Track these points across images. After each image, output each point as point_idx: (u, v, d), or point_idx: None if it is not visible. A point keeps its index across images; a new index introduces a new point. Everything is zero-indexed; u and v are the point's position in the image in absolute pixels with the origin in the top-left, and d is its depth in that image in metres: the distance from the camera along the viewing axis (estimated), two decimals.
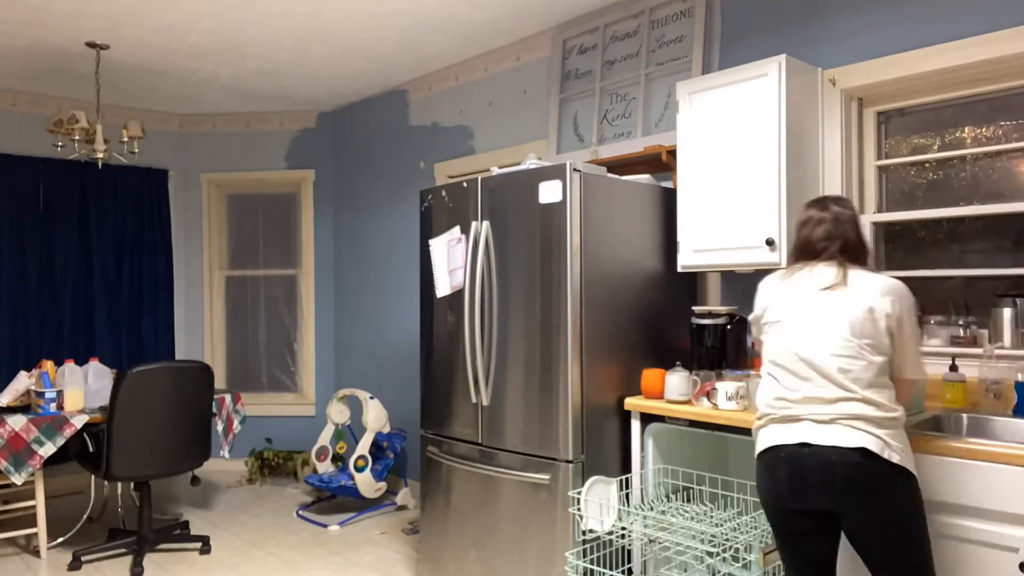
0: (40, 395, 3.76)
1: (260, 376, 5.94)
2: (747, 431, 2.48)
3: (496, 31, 4.11)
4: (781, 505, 2.00)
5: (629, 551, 2.82)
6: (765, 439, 2.04)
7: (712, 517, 2.57)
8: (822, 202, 2.14)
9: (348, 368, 5.67)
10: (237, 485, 5.40)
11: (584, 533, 2.62)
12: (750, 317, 2.26)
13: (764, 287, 2.20)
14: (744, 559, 2.77)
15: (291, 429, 5.76)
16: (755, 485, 2.10)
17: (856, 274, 2.02)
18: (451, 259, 3.17)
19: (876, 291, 1.97)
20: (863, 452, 1.87)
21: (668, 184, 3.34)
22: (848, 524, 1.93)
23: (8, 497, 4.40)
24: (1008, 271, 2.62)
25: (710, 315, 2.95)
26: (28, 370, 5.03)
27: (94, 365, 4.11)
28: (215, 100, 5.44)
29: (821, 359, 1.96)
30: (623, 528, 2.52)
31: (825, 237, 2.07)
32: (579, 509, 2.59)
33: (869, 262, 2.11)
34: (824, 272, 2.04)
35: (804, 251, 2.11)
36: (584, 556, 2.68)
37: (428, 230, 3.30)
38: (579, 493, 2.62)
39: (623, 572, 2.80)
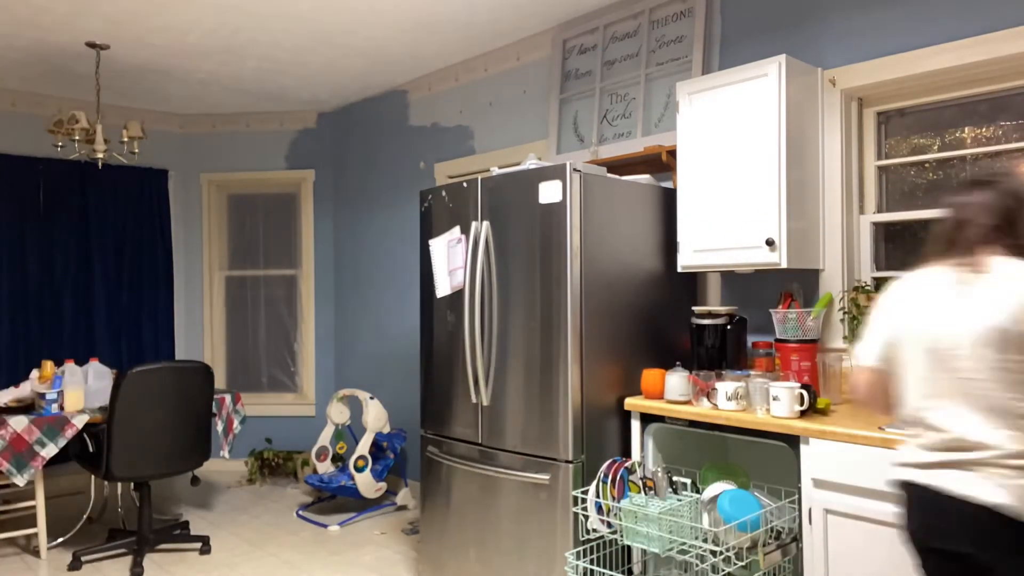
0: (42, 396, 3.76)
1: (260, 376, 5.94)
2: (746, 431, 2.48)
3: (496, 31, 4.11)
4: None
5: (629, 551, 2.82)
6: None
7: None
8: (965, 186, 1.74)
9: (348, 368, 5.67)
10: (237, 485, 5.40)
11: (588, 532, 2.62)
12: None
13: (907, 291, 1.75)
14: (747, 558, 2.78)
15: (291, 429, 5.76)
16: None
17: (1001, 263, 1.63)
18: (451, 259, 3.17)
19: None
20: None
21: (668, 184, 3.34)
22: None
23: (8, 497, 4.40)
24: None
25: (710, 315, 2.95)
26: (28, 370, 5.05)
27: (94, 365, 4.11)
28: (215, 100, 5.44)
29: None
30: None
31: (948, 231, 1.70)
32: (584, 508, 2.60)
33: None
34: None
35: (932, 248, 1.76)
36: (584, 556, 2.68)
37: (428, 230, 3.31)
38: (584, 492, 2.62)
39: (623, 572, 2.80)
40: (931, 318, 1.65)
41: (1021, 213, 1.64)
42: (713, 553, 2.34)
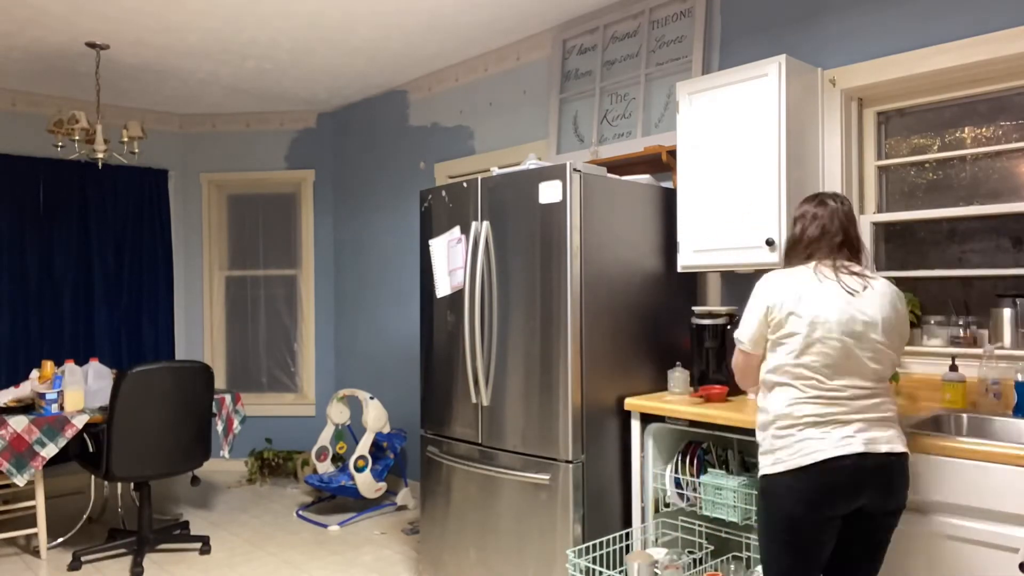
0: (42, 396, 3.76)
1: (260, 376, 5.94)
2: (745, 430, 2.48)
3: (496, 31, 4.11)
4: (820, 513, 1.92)
5: (627, 549, 2.82)
6: (809, 448, 1.92)
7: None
8: (818, 198, 2.14)
9: (348, 368, 5.67)
10: (237, 485, 5.40)
11: (666, 506, 2.85)
12: (752, 323, 2.08)
13: (775, 288, 2.05)
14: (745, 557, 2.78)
15: (291, 429, 5.76)
16: (774, 496, 1.98)
17: (870, 273, 2.08)
18: (451, 259, 3.17)
19: (892, 291, 2.04)
20: (901, 452, 1.96)
21: (668, 184, 3.34)
22: (873, 519, 1.98)
23: (8, 497, 4.40)
24: (1008, 271, 2.62)
25: (710, 315, 2.95)
26: (28, 370, 5.05)
27: (94, 365, 4.11)
28: (215, 100, 5.44)
29: (859, 359, 1.96)
30: None
31: (822, 234, 2.07)
32: (662, 484, 2.78)
33: (866, 259, 2.14)
34: (840, 272, 2.02)
35: (803, 247, 2.10)
36: (584, 555, 2.68)
37: (428, 230, 3.30)
38: (661, 469, 2.78)
39: (622, 572, 2.80)
40: (833, 309, 1.97)
41: (853, 230, 2.11)
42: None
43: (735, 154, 2.83)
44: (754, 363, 2.13)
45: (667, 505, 2.82)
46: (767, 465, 2.00)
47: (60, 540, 4.20)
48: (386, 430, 4.63)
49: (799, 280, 2.03)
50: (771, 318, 2.03)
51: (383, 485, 4.53)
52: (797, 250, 2.12)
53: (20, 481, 3.58)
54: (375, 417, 4.55)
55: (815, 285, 2.00)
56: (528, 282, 2.88)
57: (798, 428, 1.95)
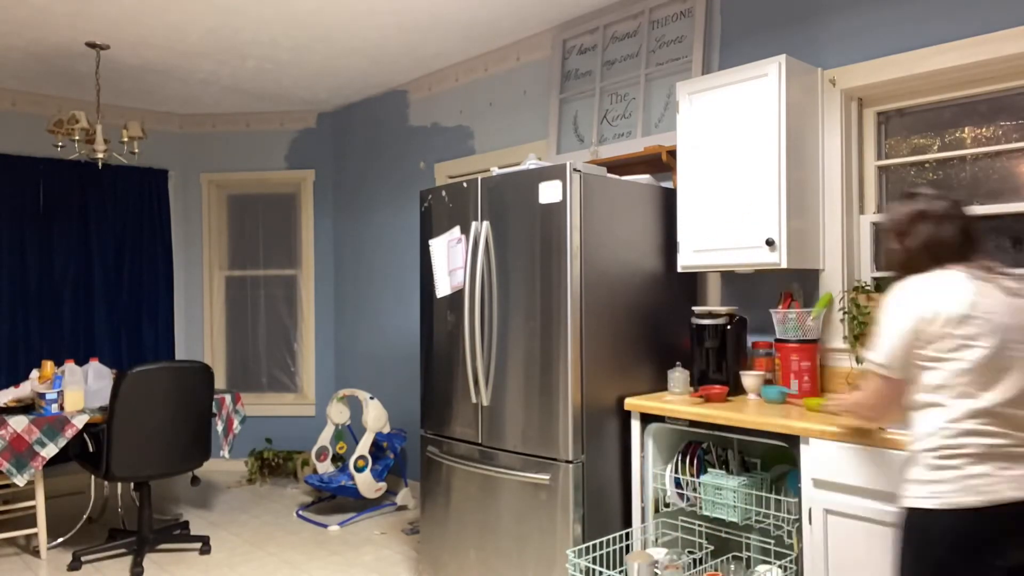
0: (42, 396, 3.76)
1: (260, 376, 5.94)
2: (747, 431, 2.48)
3: (496, 31, 4.11)
4: (988, 562, 1.68)
5: (628, 549, 2.82)
6: (981, 485, 1.68)
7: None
8: (930, 195, 1.88)
9: (348, 368, 5.67)
10: (237, 485, 5.40)
11: (666, 506, 2.85)
12: (908, 327, 1.78)
13: (946, 292, 1.76)
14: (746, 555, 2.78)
15: (291, 429, 5.76)
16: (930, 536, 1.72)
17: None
18: (451, 259, 3.17)
19: None
20: None
21: (668, 184, 3.34)
22: None
23: (8, 497, 4.40)
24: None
25: (710, 315, 2.95)
26: (28, 370, 5.05)
27: (94, 365, 4.11)
28: (215, 100, 5.45)
29: None
30: None
31: (958, 234, 1.82)
32: (662, 484, 2.79)
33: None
34: (994, 273, 1.79)
35: (936, 252, 1.83)
36: (584, 555, 2.68)
37: (428, 230, 3.31)
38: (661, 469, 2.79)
39: (622, 572, 2.80)
40: (993, 315, 1.73)
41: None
42: (786, 521, 2.53)
43: (735, 154, 2.83)
44: (898, 390, 1.85)
45: (667, 505, 2.82)
46: (919, 497, 1.74)
47: (60, 540, 4.20)
48: (386, 430, 4.63)
49: (958, 285, 1.76)
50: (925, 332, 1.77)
51: (383, 485, 4.53)
52: (929, 255, 1.84)
53: (20, 481, 3.58)
54: (375, 417, 4.55)
55: (983, 288, 1.75)
56: (528, 282, 2.88)
57: (967, 459, 1.69)
